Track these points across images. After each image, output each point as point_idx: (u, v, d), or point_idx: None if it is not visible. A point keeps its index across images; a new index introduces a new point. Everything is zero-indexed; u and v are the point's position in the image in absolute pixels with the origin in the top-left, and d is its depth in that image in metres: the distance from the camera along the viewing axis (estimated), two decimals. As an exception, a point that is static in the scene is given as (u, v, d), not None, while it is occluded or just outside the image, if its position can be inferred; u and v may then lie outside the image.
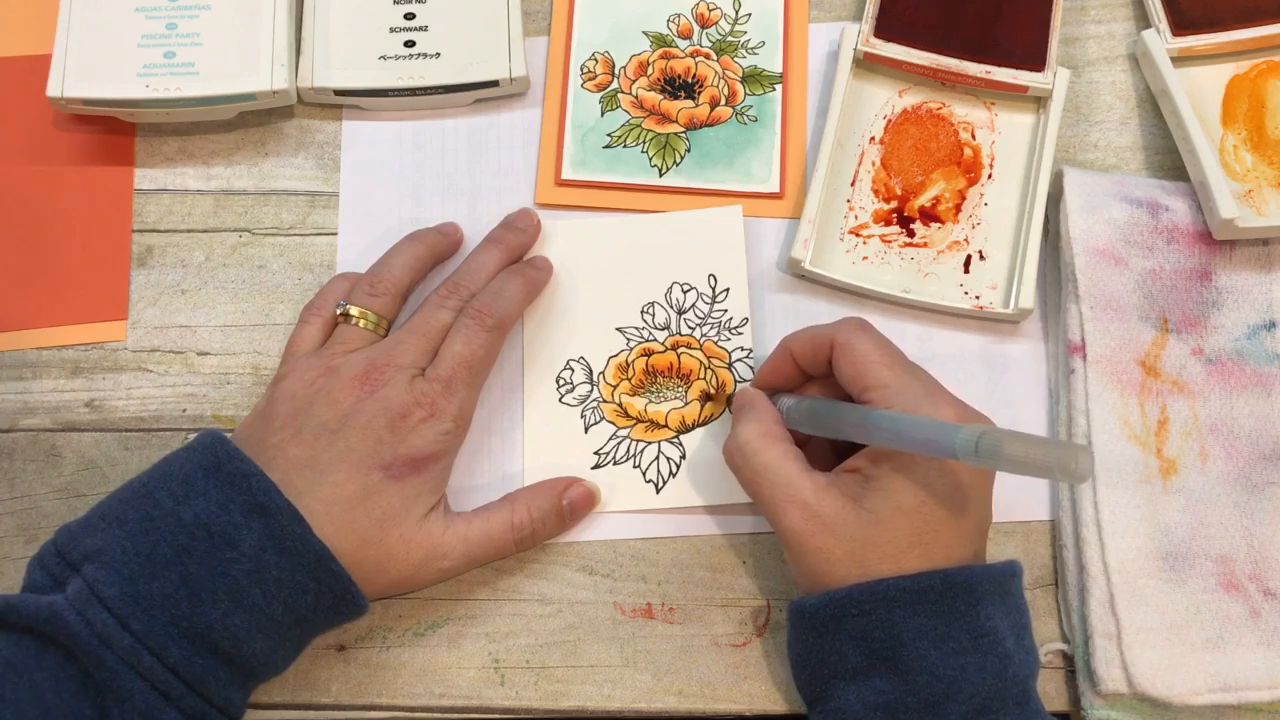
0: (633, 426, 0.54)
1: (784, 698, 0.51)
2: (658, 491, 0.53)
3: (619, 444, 0.54)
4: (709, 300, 0.56)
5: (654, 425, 0.54)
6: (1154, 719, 0.49)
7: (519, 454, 0.54)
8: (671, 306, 0.56)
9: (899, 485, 0.44)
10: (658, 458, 0.54)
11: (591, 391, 0.55)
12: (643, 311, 0.56)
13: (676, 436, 0.54)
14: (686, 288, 0.56)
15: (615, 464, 0.54)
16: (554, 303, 0.56)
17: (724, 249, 0.56)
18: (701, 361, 0.55)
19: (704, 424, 0.54)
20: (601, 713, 0.51)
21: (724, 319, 0.55)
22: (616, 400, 0.55)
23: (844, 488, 0.45)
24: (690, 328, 0.55)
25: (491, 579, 0.52)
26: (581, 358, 0.55)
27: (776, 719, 0.51)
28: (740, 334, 0.55)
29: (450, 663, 0.51)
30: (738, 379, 0.54)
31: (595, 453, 0.54)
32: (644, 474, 0.53)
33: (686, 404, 0.54)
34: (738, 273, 0.56)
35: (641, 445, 0.54)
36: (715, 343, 0.55)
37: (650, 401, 0.54)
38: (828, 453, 0.50)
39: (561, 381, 0.55)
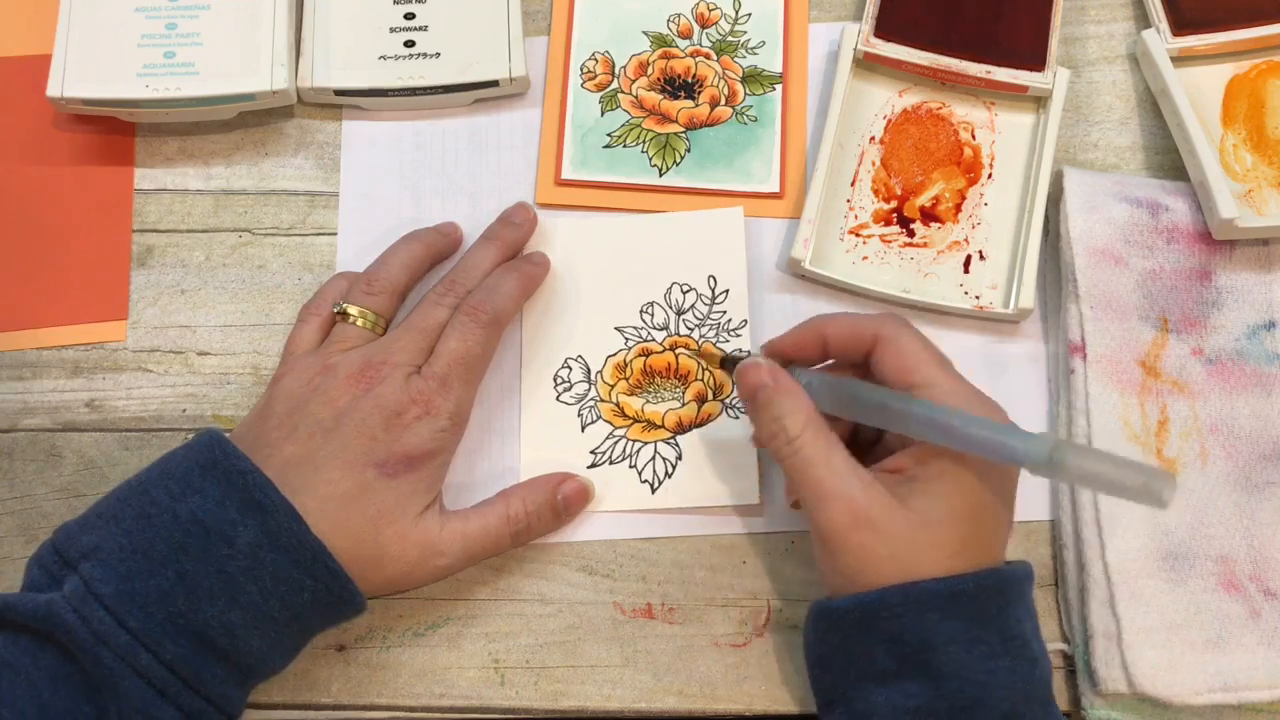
0: (629, 426, 0.54)
1: (784, 698, 0.51)
2: (653, 492, 0.53)
3: (615, 443, 0.54)
4: (708, 301, 0.56)
5: (651, 425, 0.54)
6: (1154, 719, 0.49)
7: (516, 452, 0.54)
8: (671, 307, 0.56)
9: (951, 488, 0.43)
10: (654, 458, 0.54)
11: (589, 390, 0.55)
12: (642, 311, 0.56)
13: (673, 437, 0.54)
14: (686, 288, 0.56)
15: (611, 463, 0.54)
16: (553, 301, 0.56)
17: (724, 250, 0.56)
18: (699, 363, 0.55)
19: (700, 425, 0.54)
20: (601, 713, 0.51)
21: (723, 320, 0.55)
22: (614, 400, 0.54)
23: (890, 486, 0.44)
24: (689, 328, 0.55)
25: (491, 579, 0.52)
26: (580, 356, 0.55)
27: (776, 719, 0.51)
28: (739, 336, 0.55)
29: (450, 663, 0.51)
30: (734, 382, 0.54)
31: (591, 451, 0.54)
32: (639, 474, 0.53)
33: (684, 405, 0.54)
34: (738, 274, 0.56)
35: (638, 445, 0.54)
36: (714, 344, 0.55)
37: (647, 401, 0.54)
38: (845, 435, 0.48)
39: (559, 380, 0.55)
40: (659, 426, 0.54)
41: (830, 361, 0.50)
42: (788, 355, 0.49)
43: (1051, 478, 0.38)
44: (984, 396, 0.45)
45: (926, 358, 0.45)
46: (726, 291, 0.56)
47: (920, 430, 0.43)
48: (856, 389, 0.46)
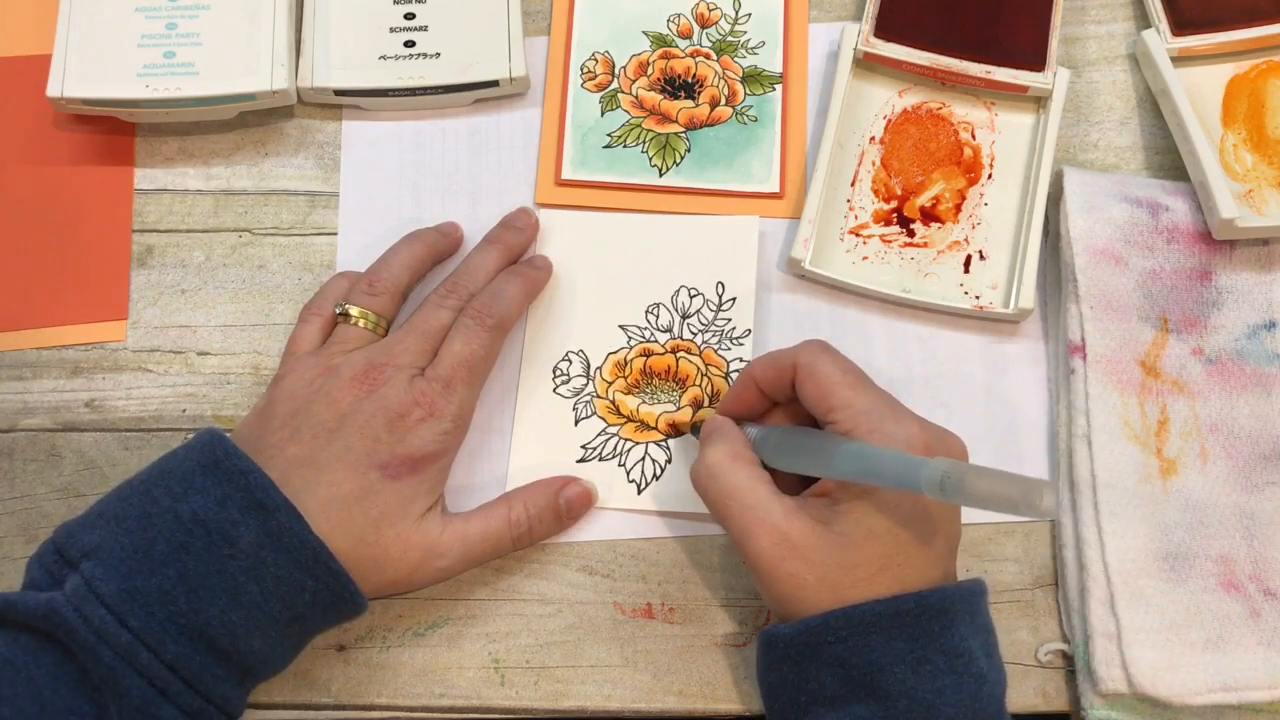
0: (623, 425, 0.54)
1: (784, 698, 0.51)
2: (639, 492, 0.53)
3: (607, 440, 0.54)
4: (714, 308, 0.56)
5: (644, 426, 0.54)
6: (1154, 719, 0.49)
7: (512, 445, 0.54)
8: (676, 310, 0.56)
9: (869, 508, 0.44)
10: (643, 459, 0.54)
11: (586, 385, 0.55)
12: (647, 311, 0.56)
13: (664, 440, 0.54)
14: (694, 293, 0.56)
15: (601, 460, 0.54)
16: (561, 293, 0.56)
17: (735, 258, 0.56)
18: (699, 368, 0.55)
19: (693, 431, 0.54)
20: (601, 713, 0.51)
21: (727, 328, 0.55)
22: (610, 397, 0.54)
23: (813, 511, 0.45)
24: (693, 333, 0.55)
25: (491, 579, 0.52)
26: (581, 350, 0.55)
27: (776, 719, 0.51)
28: (741, 345, 0.55)
29: (450, 663, 0.51)
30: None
31: (582, 446, 0.54)
32: (628, 473, 0.53)
33: (679, 408, 0.54)
34: (746, 284, 0.56)
35: (629, 444, 0.54)
36: (716, 351, 0.55)
37: (643, 402, 0.54)
38: (795, 477, 0.49)
39: (558, 372, 0.55)
40: (652, 428, 0.54)
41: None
42: (734, 411, 0.51)
43: (953, 501, 0.38)
44: (898, 407, 0.46)
45: (840, 379, 0.46)
46: (734, 300, 0.56)
47: (840, 471, 0.43)
48: (785, 437, 0.47)
